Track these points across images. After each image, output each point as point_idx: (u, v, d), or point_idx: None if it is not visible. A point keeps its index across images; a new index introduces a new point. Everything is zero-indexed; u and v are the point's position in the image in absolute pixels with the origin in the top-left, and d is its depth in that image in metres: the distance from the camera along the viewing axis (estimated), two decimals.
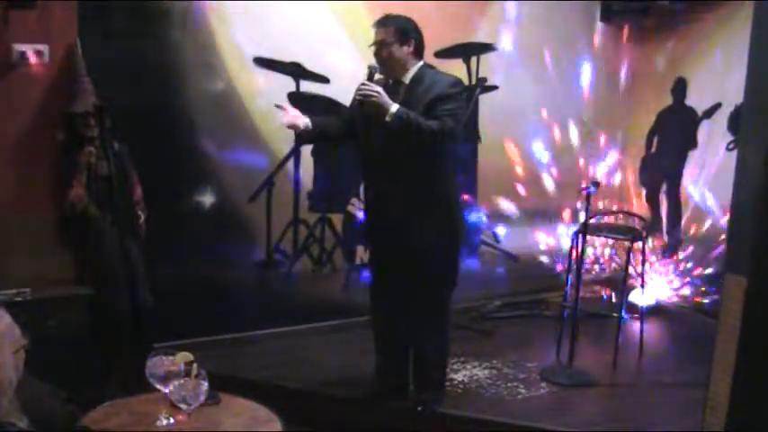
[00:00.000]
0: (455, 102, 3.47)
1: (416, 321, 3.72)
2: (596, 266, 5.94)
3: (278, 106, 3.61)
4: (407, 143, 3.40)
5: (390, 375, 3.87)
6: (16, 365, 2.08)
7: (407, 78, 3.52)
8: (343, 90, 4.61)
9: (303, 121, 3.53)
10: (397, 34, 3.46)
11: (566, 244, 5.28)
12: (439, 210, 3.56)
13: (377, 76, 3.50)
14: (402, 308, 3.72)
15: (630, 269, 4.82)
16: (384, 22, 3.50)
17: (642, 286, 4.83)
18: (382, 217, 3.61)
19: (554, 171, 5.63)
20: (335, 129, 3.69)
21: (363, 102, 3.37)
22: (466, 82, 4.99)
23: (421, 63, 3.55)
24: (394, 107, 3.35)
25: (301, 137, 3.67)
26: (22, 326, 2.13)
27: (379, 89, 3.37)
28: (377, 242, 3.77)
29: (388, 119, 3.34)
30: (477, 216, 5.33)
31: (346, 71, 4.67)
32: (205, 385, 2.38)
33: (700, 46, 5.38)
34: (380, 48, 3.48)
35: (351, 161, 4.83)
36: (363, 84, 3.38)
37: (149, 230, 4.02)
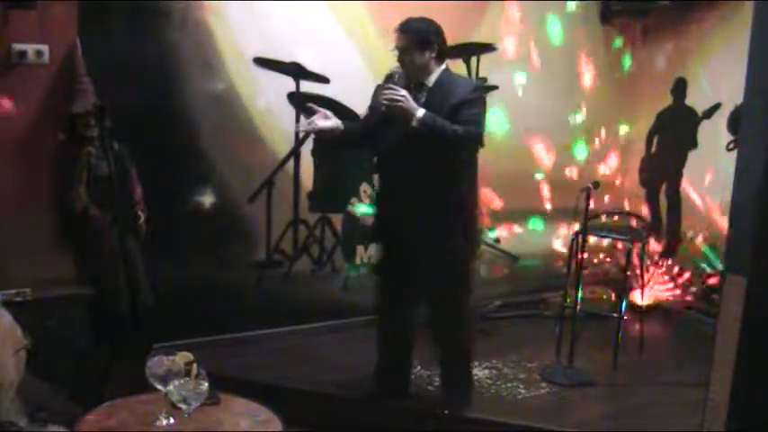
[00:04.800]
0: (478, 106, 3.46)
1: (440, 325, 3.71)
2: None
3: (310, 107, 3.62)
4: (431, 147, 3.39)
5: (392, 375, 3.87)
6: (17, 366, 2.08)
7: (430, 82, 3.50)
8: (343, 90, 4.63)
9: (335, 122, 3.55)
10: (418, 40, 3.43)
11: (565, 245, 5.29)
12: (456, 213, 3.55)
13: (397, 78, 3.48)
14: (410, 309, 3.73)
15: (630, 269, 4.82)
16: (405, 28, 3.47)
17: (642, 286, 4.83)
18: (399, 219, 3.58)
19: (553, 171, 5.63)
20: (357, 135, 3.68)
21: (389, 106, 3.36)
22: None
23: (443, 67, 3.53)
24: (420, 112, 3.34)
25: (326, 139, 3.65)
26: (23, 327, 2.13)
27: (405, 93, 3.36)
28: (391, 244, 3.73)
29: (414, 123, 3.34)
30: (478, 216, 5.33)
31: (346, 71, 4.68)
32: (205, 385, 2.38)
33: (700, 46, 5.38)
34: (402, 53, 3.46)
35: (350, 161, 4.85)
36: (389, 88, 3.36)
37: (149, 230, 4.02)
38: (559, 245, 5.70)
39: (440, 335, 3.76)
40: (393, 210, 3.62)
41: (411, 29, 3.46)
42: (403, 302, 3.75)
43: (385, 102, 3.36)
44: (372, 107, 3.59)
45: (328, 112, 3.57)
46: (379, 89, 3.52)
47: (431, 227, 3.50)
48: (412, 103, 3.36)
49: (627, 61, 5.81)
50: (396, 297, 3.75)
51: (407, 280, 3.67)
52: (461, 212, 3.59)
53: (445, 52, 3.54)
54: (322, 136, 3.65)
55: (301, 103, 4.60)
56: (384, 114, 3.44)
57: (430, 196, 3.48)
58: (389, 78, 3.44)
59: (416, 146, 3.40)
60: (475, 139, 3.44)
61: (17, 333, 2.11)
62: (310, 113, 3.62)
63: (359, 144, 3.83)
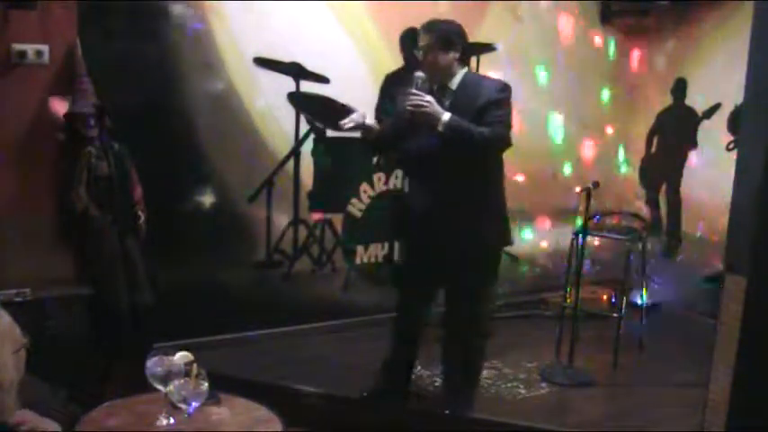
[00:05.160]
0: (505, 107, 3.43)
1: (465, 326, 3.70)
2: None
3: (344, 106, 3.61)
4: (458, 150, 3.35)
5: (398, 374, 3.86)
6: (17, 365, 2.08)
7: (454, 84, 3.47)
8: (343, 90, 4.63)
9: (373, 122, 3.56)
10: (442, 41, 3.40)
11: (566, 244, 5.28)
12: (488, 214, 3.54)
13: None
14: (427, 309, 3.74)
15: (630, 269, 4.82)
16: (429, 28, 3.43)
17: (642, 286, 4.83)
18: (429, 221, 3.53)
19: (553, 171, 5.63)
20: (388, 137, 3.64)
21: (414, 111, 3.33)
22: None
23: (466, 68, 3.51)
24: (446, 116, 3.31)
25: (368, 139, 3.62)
26: (22, 326, 2.13)
27: (430, 98, 3.32)
28: (419, 245, 3.67)
29: (440, 128, 3.31)
30: None
31: (346, 71, 4.68)
32: (205, 385, 2.38)
33: (700, 46, 5.38)
34: (426, 54, 3.42)
35: (350, 161, 4.85)
36: (413, 93, 3.32)
37: (149, 230, 4.02)
38: (559, 245, 5.70)
39: (459, 334, 3.74)
40: (422, 211, 3.56)
41: (435, 29, 3.43)
42: (425, 303, 3.74)
43: (410, 107, 3.32)
44: (398, 111, 3.51)
45: (362, 111, 3.56)
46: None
47: (460, 228, 3.47)
48: (437, 108, 3.32)
49: (626, 61, 5.82)
50: (419, 298, 3.72)
51: (433, 281, 3.65)
52: (490, 212, 3.56)
53: (468, 54, 3.51)
54: (365, 135, 3.62)
55: (302, 102, 4.61)
56: (409, 120, 3.41)
57: (459, 198, 3.45)
58: (410, 80, 3.38)
59: (443, 148, 3.37)
60: (502, 140, 3.40)
61: (16, 332, 2.11)
62: (347, 112, 3.60)
63: (387, 147, 3.82)
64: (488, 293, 3.75)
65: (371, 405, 3.85)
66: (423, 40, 3.44)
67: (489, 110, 3.38)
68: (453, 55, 3.43)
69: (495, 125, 3.36)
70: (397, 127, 3.57)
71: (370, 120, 3.60)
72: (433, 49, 3.41)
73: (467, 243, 3.50)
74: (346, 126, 3.54)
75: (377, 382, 3.88)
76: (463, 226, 3.47)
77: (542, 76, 5.44)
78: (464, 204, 3.46)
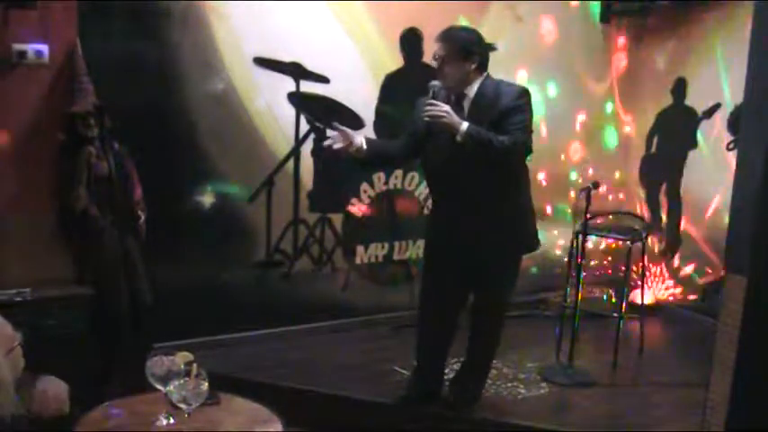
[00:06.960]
0: (524, 113, 3.37)
1: (482, 328, 3.72)
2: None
3: (336, 127, 3.47)
4: (480, 159, 3.32)
5: (428, 380, 3.84)
6: (12, 364, 2.07)
7: (471, 92, 3.42)
8: (343, 90, 4.63)
9: (357, 140, 3.43)
10: (459, 51, 3.35)
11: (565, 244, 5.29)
12: (513, 220, 3.53)
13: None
14: (456, 316, 3.72)
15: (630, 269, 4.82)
16: (446, 37, 3.38)
17: (642, 286, 4.83)
18: (454, 228, 3.52)
19: (553, 171, 5.63)
20: (394, 150, 3.62)
21: (431, 122, 3.31)
22: None
23: (484, 75, 3.45)
24: (464, 126, 3.26)
25: (358, 158, 3.50)
26: (14, 323, 2.12)
27: (448, 108, 3.28)
28: (444, 252, 3.62)
29: (459, 138, 3.26)
30: None
31: (346, 71, 4.68)
32: (205, 385, 2.38)
33: (700, 46, 5.38)
34: (442, 64, 3.38)
35: (350, 161, 4.84)
36: (430, 103, 3.28)
37: (149, 230, 4.02)
38: (559, 245, 5.70)
39: (479, 335, 3.76)
40: (447, 218, 3.55)
41: (452, 37, 3.38)
42: (454, 308, 3.72)
43: (427, 118, 3.29)
44: (416, 121, 3.47)
45: (349, 132, 3.44)
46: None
47: (487, 236, 3.46)
48: (455, 118, 3.28)
49: (626, 61, 5.82)
50: (442, 304, 3.69)
51: (456, 289, 3.63)
52: (517, 219, 3.55)
53: (486, 62, 3.45)
54: (354, 154, 3.48)
55: (302, 102, 4.61)
56: (427, 129, 3.38)
57: (484, 206, 3.44)
58: (431, 92, 3.35)
59: (465, 157, 3.33)
60: (522, 146, 3.36)
61: (7, 331, 2.09)
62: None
63: (401, 160, 3.80)
64: (508, 297, 3.75)
65: (372, 406, 3.85)
66: (440, 50, 3.38)
67: (508, 116, 3.33)
68: (471, 65, 3.38)
69: (514, 132, 3.31)
70: (419, 136, 3.52)
71: (360, 139, 3.46)
72: (450, 59, 3.36)
73: (494, 250, 3.50)
74: (335, 146, 3.42)
75: (409, 388, 3.86)
76: (490, 234, 3.46)
77: (541, 76, 5.43)
78: (489, 212, 3.45)
